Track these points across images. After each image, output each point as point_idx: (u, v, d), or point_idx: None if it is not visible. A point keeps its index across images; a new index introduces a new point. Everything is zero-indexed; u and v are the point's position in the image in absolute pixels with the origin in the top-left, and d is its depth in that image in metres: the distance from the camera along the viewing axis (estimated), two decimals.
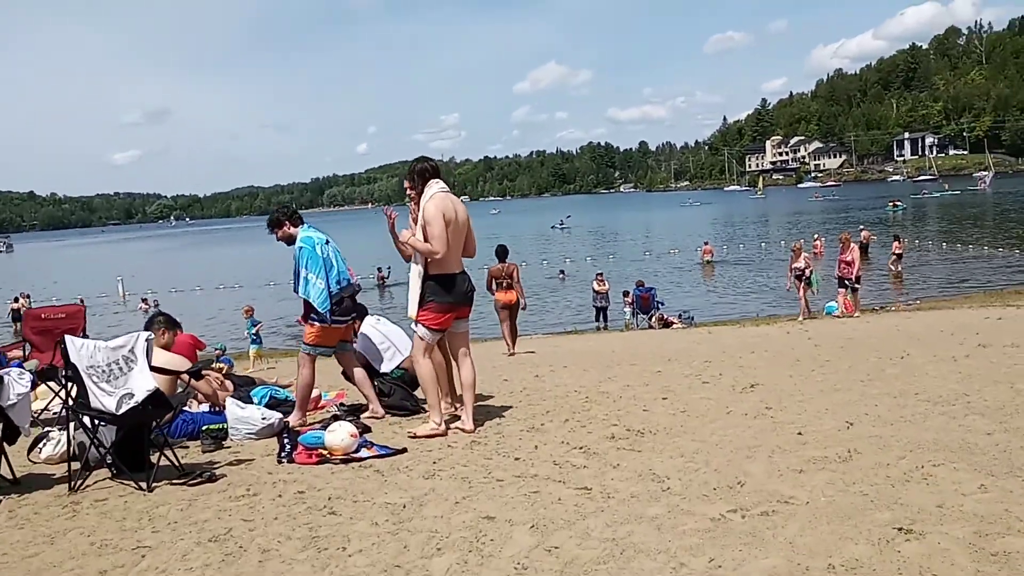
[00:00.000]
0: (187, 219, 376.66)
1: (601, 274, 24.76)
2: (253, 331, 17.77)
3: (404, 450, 6.06)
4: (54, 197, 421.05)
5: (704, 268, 38.44)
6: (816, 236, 35.52)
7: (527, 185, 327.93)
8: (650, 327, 21.60)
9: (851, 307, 21.01)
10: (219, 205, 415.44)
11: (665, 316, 21.88)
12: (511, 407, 7.77)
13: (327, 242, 7.31)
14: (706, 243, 41.62)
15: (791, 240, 44.76)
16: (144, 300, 38.10)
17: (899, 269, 30.94)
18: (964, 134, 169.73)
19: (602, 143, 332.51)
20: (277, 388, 8.53)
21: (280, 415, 7.03)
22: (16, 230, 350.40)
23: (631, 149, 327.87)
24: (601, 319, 24.41)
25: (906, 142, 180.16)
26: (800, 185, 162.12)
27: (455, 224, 6.43)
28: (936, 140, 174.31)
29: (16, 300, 35.43)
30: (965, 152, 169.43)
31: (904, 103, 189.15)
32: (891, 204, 71.40)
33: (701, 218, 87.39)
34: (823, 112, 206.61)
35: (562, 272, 38.70)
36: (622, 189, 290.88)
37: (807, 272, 19.30)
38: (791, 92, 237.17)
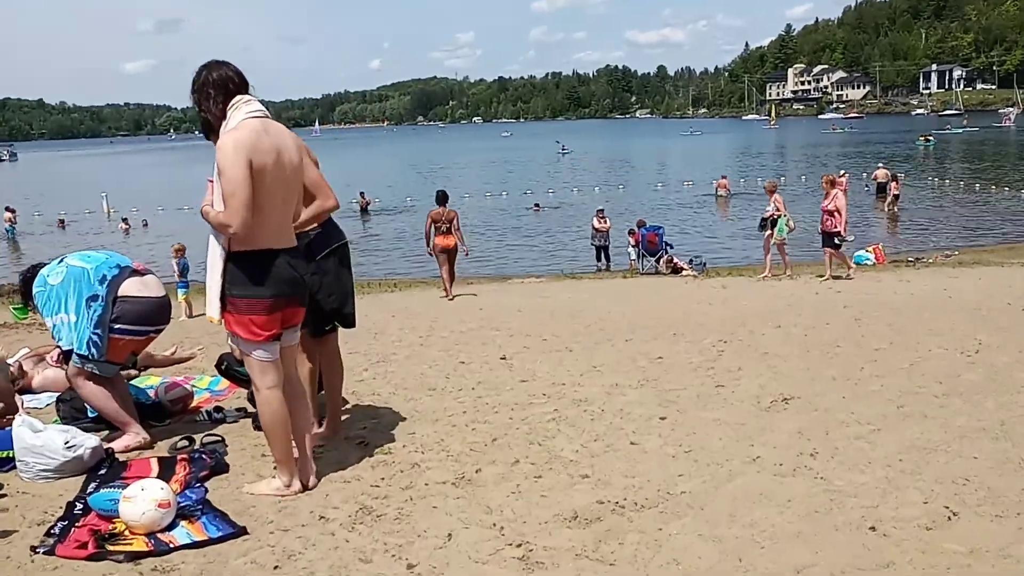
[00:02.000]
0: (196, 132, 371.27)
1: (602, 210, 22.31)
2: (177, 276, 14.62)
3: (244, 530, 3.85)
4: (63, 106, 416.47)
5: (719, 202, 35.92)
6: (842, 173, 32.74)
7: (541, 108, 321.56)
8: (657, 272, 19.31)
9: (881, 257, 18.66)
10: None
11: (675, 260, 19.57)
12: (448, 423, 5.59)
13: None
14: (723, 176, 38.93)
15: (812, 174, 42.59)
16: (125, 220, 35.89)
17: (896, 211, 28.95)
18: (994, 68, 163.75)
19: (619, 67, 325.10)
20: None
21: (96, 442, 4.82)
22: (25, 138, 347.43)
23: (649, 74, 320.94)
24: (603, 259, 22.12)
25: (933, 74, 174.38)
26: (821, 116, 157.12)
27: (274, 171, 4.11)
28: (964, 73, 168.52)
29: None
30: (993, 87, 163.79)
31: (933, 33, 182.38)
32: (922, 138, 67.80)
33: (718, 148, 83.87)
34: (849, 40, 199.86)
35: (537, 205, 36.17)
36: (638, 115, 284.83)
37: (774, 215, 15.98)
38: (817, 18, 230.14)
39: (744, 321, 9.85)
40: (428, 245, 15.05)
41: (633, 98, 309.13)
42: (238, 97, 4.16)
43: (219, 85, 4.14)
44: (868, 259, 18.39)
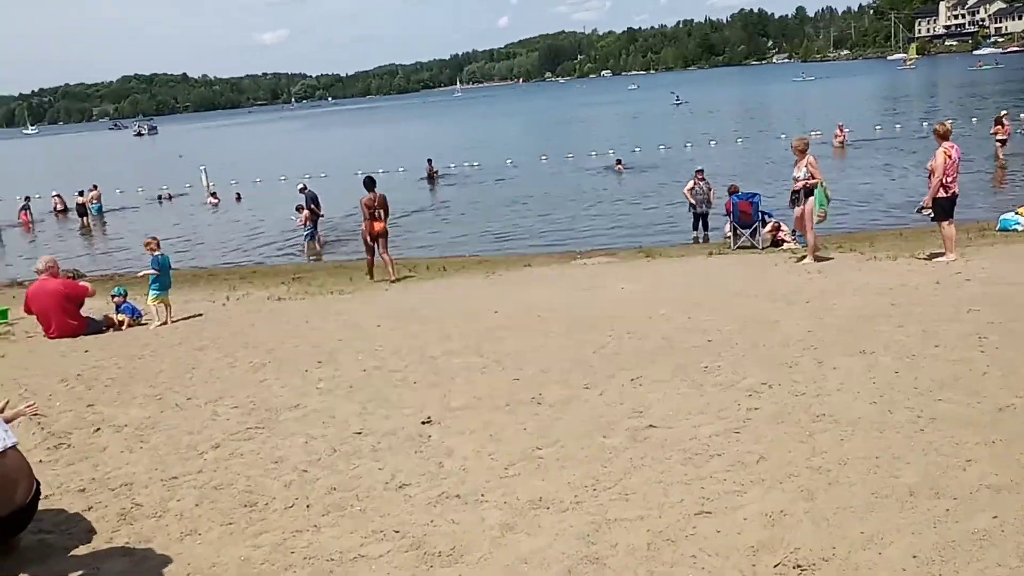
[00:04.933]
0: (329, 98, 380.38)
1: (701, 171, 19.16)
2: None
3: None
4: (205, 79, 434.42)
5: (835, 151, 31.88)
6: (1003, 112, 27.85)
7: (672, 58, 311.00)
8: (752, 246, 16.17)
9: None
10: (360, 84, 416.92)
11: (781, 227, 16.37)
12: None
13: None
14: (840, 125, 34.58)
15: (927, 119, 37.10)
16: (214, 194, 35.17)
17: (1003, 159, 24.72)
18: None
19: (755, 10, 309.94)
20: None
21: None
22: (171, 112, 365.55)
23: (787, 16, 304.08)
24: (700, 227, 19.09)
25: None
26: (976, 52, 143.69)
27: None
28: None
29: (82, 194, 33.01)
30: None
31: None
32: None
33: (835, 94, 76.79)
34: None
35: (619, 162, 32.80)
36: (775, 60, 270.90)
37: (807, 183, 12.11)
38: None
39: (840, 330, 6.96)
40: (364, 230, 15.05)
41: (770, 43, 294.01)
42: None
43: None
44: (1017, 224, 14.71)
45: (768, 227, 16.69)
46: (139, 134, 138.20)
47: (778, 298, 9.35)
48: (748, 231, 16.36)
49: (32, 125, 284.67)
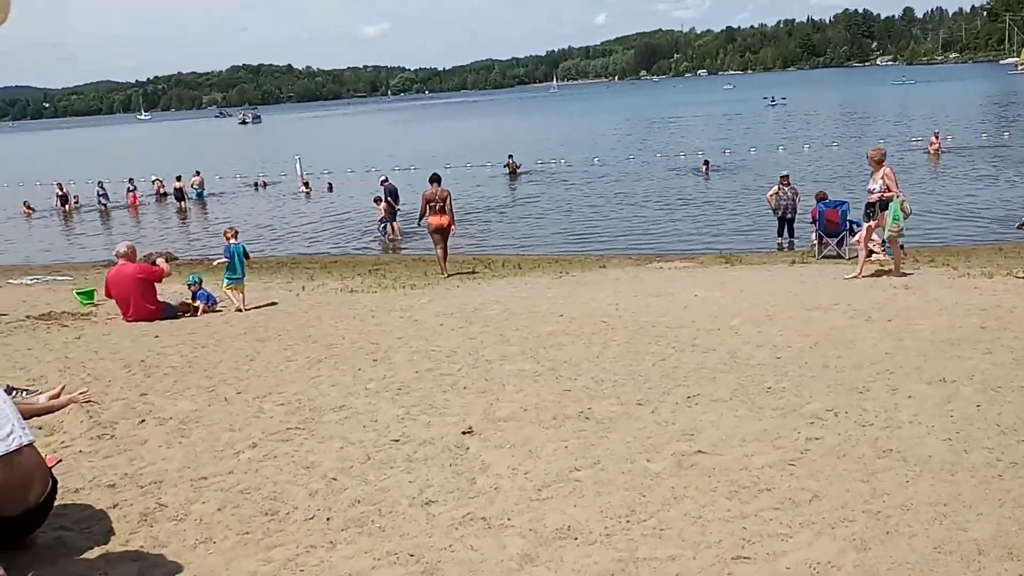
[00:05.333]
0: (426, 92, 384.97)
1: (786, 176, 18.55)
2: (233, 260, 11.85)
3: None
4: (309, 70, 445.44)
5: (931, 159, 30.46)
6: None
7: (771, 58, 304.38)
8: (839, 256, 15.51)
9: None
10: (456, 78, 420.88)
11: (874, 239, 15.63)
12: None
13: None
14: (936, 132, 33.04)
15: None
16: (306, 184, 35.92)
17: None
18: None
19: (859, 10, 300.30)
20: None
21: None
22: (275, 102, 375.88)
23: (893, 17, 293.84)
24: (786, 233, 18.48)
25: None
26: None
27: None
28: None
29: (179, 179, 34.12)
30: None
31: None
32: None
33: (935, 99, 73.40)
34: None
35: (706, 163, 31.92)
36: (879, 62, 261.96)
37: (883, 196, 11.28)
38: None
39: (897, 363, 6.51)
40: (419, 223, 15.72)
41: (874, 44, 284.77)
42: None
43: None
44: None
45: (856, 237, 15.97)
46: (243, 122, 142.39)
47: (858, 314, 8.84)
48: (835, 240, 15.72)
49: (145, 111, 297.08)
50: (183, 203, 33.26)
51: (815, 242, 16.16)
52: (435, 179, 15.16)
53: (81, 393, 6.07)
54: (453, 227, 15.26)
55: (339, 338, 8.61)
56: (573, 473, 4.46)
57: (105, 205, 33.61)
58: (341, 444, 5.07)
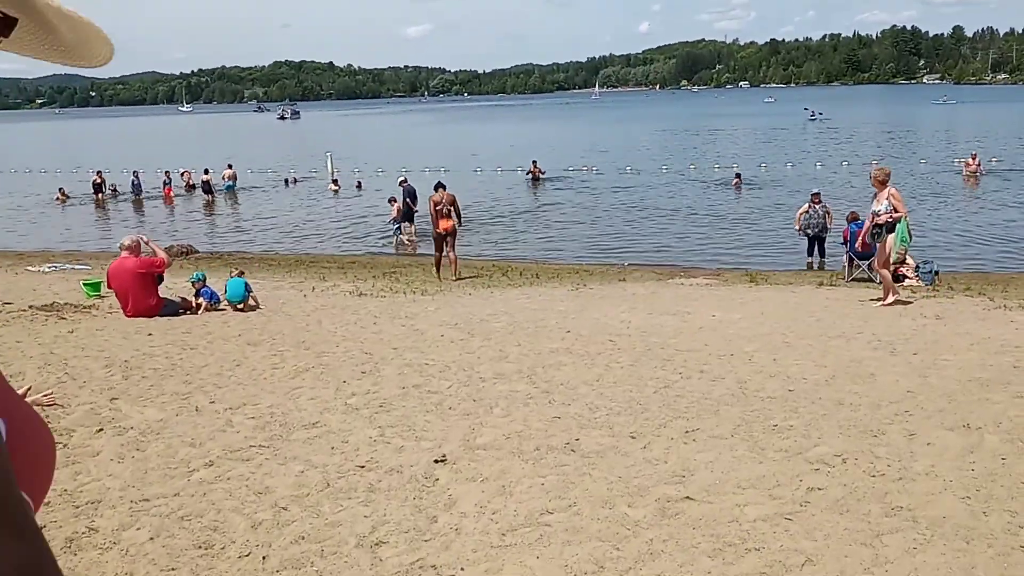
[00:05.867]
0: (464, 94, 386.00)
1: (818, 194, 17.98)
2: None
3: None
4: (350, 68, 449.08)
5: (966, 181, 29.60)
6: None
7: (815, 72, 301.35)
8: (869, 279, 14.92)
9: None
10: (496, 82, 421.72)
11: (905, 261, 15.08)
12: None
13: None
14: (973, 154, 32.12)
15: None
16: (335, 181, 35.79)
17: None
18: None
19: (907, 27, 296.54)
20: None
21: None
22: (316, 98, 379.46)
23: (942, 35, 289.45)
24: (816, 252, 17.92)
25: None
26: None
27: None
28: None
29: (207, 172, 34.23)
30: None
31: None
32: None
33: (1009, 120, 71.93)
34: None
35: (738, 176, 31.25)
36: (925, 80, 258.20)
37: (891, 218, 10.81)
38: None
39: (918, 404, 6.03)
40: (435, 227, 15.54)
41: (921, 62, 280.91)
42: None
43: None
44: None
45: (873, 262, 15.45)
46: (282, 117, 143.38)
47: (882, 345, 8.34)
48: (866, 263, 15.11)
49: (187, 103, 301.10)
50: (210, 196, 33.29)
51: (845, 264, 15.59)
52: (439, 186, 15.59)
53: (46, 395, 5.76)
54: (458, 227, 15.54)
55: (333, 346, 8.26)
56: (544, 516, 4.05)
57: (139, 195, 33.71)
58: (302, 467, 4.71)
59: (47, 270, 17.45)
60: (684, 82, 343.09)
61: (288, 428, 5.44)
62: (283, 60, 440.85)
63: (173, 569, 3.50)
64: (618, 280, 15.01)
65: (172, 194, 33.61)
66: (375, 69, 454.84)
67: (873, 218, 11.19)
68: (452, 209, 15.11)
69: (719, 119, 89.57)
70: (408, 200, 21.52)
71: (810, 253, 18.09)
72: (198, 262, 18.40)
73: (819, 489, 4.42)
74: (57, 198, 33.70)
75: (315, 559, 3.60)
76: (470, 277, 15.63)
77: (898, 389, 6.53)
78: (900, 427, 5.53)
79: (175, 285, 12.20)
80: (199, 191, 34.14)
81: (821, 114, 77.43)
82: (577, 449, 5.10)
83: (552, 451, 5.05)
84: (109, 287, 10.85)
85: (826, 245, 17.86)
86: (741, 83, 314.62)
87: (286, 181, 38.62)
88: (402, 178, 24.46)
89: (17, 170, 47.24)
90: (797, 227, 17.58)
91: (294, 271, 17.21)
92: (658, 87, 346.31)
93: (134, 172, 34.83)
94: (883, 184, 11.03)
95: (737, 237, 21.00)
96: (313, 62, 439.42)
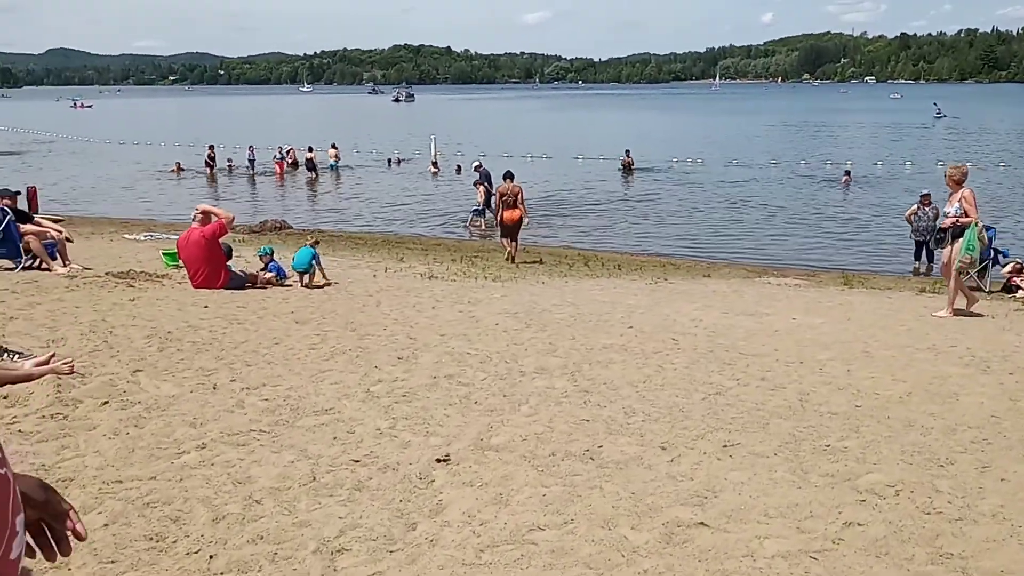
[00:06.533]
0: (579, 82, 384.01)
1: (928, 195, 16.78)
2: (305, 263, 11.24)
3: None
4: (467, 53, 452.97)
5: None
6: None
7: (947, 68, 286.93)
8: (978, 288, 13.79)
9: None
10: (611, 70, 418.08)
11: (1019, 267, 13.95)
12: None
13: None
14: None
15: None
16: (435, 163, 35.94)
17: None
18: None
19: None
20: None
21: None
22: (432, 82, 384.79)
23: None
24: (923, 257, 16.80)
25: None
26: None
27: None
28: None
29: (311, 150, 34.88)
30: None
31: None
32: None
33: None
34: None
35: (848, 174, 29.54)
36: None
37: (959, 221, 9.86)
38: None
39: (1000, 432, 5.32)
40: (496, 217, 16.55)
41: None
42: None
43: None
44: None
45: (1007, 267, 14.30)
46: (397, 100, 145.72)
47: (975, 361, 7.52)
48: (975, 271, 13.96)
49: (308, 84, 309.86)
50: (314, 173, 33.89)
51: None
52: (508, 176, 15.95)
53: (66, 362, 5.68)
54: (526, 219, 15.73)
55: (380, 328, 8.01)
56: (532, 533, 3.64)
57: (253, 170, 34.63)
58: (295, 457, 4.42)
59: (142, 239, 17.88)
60: (806, 75, 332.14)
61: (298, 413, 5.17)
62: (402, 44, 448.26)
63: (113, 562, 3.24)
64: (703, 276, 14.34)
65: (283, 170, 34.36)
66: (491, 55, 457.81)
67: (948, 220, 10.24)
68: (517, 200, 15.31)
69: (839, 114, 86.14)
70: (485, 184, 21.37)
71: (917, 257, 16.99)
72: (288, 238, 18.56)
73: (859, 525, 3.85)
74: (173, 170, 34.99)
75: (264, 563, 3.28)
76: (551, 265, 15.25)
77: (981, 413, 5.80)
78: (973, 457, 4.86)
79: (255, 259, 12.24)
80: (303, 169, 34.79)
81: (945, 115, 73.33)
82: (596, 457, 4.65)
83: (568, 458, 4.62)
84: (180, 258, 10.92)
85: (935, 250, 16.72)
86: (867, 78, 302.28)
87: (389, 162, 39.05)
88: (477, 162, 24.44)
89: (139, 142, 49.34)
90: (922, 229, 16.50)
91: (377, 251, 17.16)
92: (780, 80, 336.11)
93: (249, 148, 35.81)
94: (958, 184, 10.06)
95: (840, 237, 19.90)
96: (431, 46, 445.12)
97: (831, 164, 34.52)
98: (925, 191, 17.00)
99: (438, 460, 4.48)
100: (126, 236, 18.18)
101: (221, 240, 10.68)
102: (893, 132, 58.52)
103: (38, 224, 11.53)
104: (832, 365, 7.24)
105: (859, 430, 5.35)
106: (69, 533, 1.57)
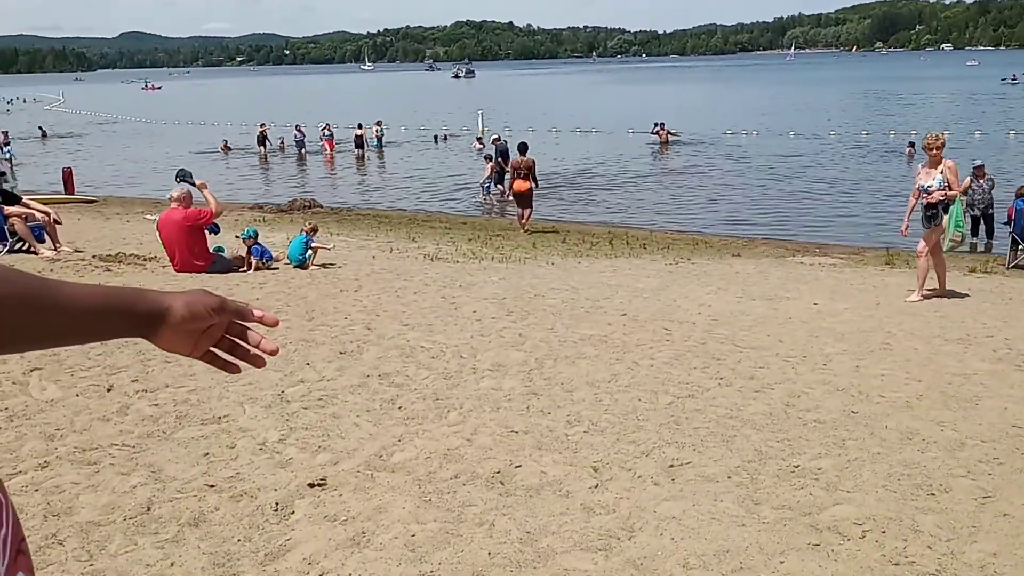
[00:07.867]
0: (643, 55, 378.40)
1: (981, 166, 15.50)
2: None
3: None
4: (529, 28, 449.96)
5: None
6: None
7: None
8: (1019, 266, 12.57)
9: None
10: (676, 42, 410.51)
11: None
12: None
13: None
14: None
15: None
16: (479, 139, 35.16)
17: None
18: None
19: None
20: None
21: None
22: (493, 58, 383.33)
23: None
24: (979, 232, 15.58)
25: None
26: None
27: None
28: None
29: (360, 127, 34.40)
30: None
31: None
32: None
33: None
34: None
35: (911, 145, 27.70)
36: None
37: (945, 197, 8.68)
38: None
39: (1016, 447, 4.40)
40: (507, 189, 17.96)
41: None
42: None
43: None
44: None
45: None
46: (456, 76, 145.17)
47: (1009, 356, 6.51)
48: None
49: (370, 62, 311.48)
50: (361, 150, 33.45)
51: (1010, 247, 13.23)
52: (522, 148, 16.63)
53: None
54: (534, 186, 16.38)
55: (341, 318, 7.33)
56: None
57: (303, 149, 34.30)
58: (142, 480, 3.76)
59: (150, 218, 17.56)
60: (879, 44, 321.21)
61: (183, 422, 4.52)
62: (464, 20, 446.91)
63: None
64: (732, 255, 13.34)
65: (332, 148, 33.94)
66: (554, 29, 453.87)
67: (918, 194, 8.99)
68: (528, 173, 16.01)
69: (910, 82, 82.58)
70: (500, 159, 20.84)
71: (974, 233, 15.67)
72: (314, 217, 18.06)
73: None
74: (220, 149, 34.96)
75: None
76: (572, 244, 14.44)
77: (1000, 422, 4.87)
78: (974, 483, 3.96)
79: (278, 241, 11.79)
80: (351, 146, 34.33)
81: (1019, 80, 69.58)
82: (507, 481, 3.89)
83: (472, 482, 3.87)
84: (160, 239, 10.41)
85: (995, 224, 15.45)
86: (944, 45, 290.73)
87: (435, 138, 38.50)
88: (495, 136, 23.92)
89: (203, 123, 49.68)
90: (980, 202, 15.25)
91: (396, 230, 16.53)
92: (854, 49, 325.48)
93: (296, 127, 35.50)
94: (939, 153, 8.81)
95: (895, 214, 18.58)
96: (494, 22, 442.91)
97: (894, 135, 32.73)
98: (978, 162, 15.73)
99: (310, 485, 3.78)
100: (147, 216, 17.88)
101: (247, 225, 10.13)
102: (967, 100, 55.70)
103: (26, 206, 11.15)
104: (839, 360, 6.33)
105: (844, 444, 4.49)
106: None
